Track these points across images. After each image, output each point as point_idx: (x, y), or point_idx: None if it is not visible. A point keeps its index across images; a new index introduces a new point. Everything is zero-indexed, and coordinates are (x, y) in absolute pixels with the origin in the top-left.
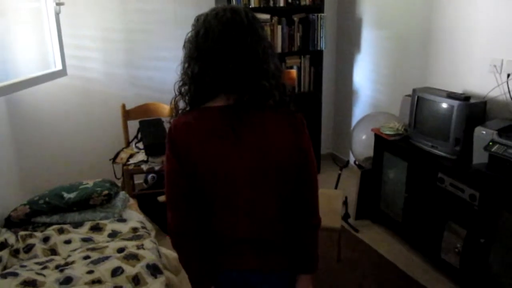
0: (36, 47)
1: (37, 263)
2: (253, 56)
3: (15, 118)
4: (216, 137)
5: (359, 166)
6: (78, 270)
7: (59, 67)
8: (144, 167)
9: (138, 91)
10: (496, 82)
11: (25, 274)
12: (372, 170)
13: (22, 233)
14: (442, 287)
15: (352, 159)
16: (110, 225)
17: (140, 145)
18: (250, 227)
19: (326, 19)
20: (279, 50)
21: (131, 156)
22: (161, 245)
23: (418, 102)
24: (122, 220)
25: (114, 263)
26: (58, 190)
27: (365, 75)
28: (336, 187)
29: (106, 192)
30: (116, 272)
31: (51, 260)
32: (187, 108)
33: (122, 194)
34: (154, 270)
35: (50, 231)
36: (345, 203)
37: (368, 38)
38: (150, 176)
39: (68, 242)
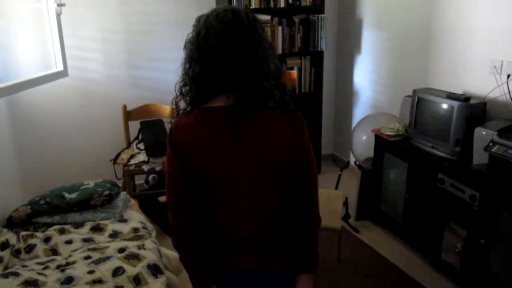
0: (37, 48)
1: (38, 263)
2: (253, 57)
3: (16, 118)
4: (217, 137)
5: (359, 166)
6: (79, 270)
7: (60, 68)
8: (145, 167)
9: (139, 92)
10: (496, 83)
11: (26, 274)
12: (373, 171)
13: (23, 233)
14: (442, 287)
15: (352, 160)
16: (111, 226)
17: (141, 145)
18: (250, 227)
19: (326, 20)
20: (279, 51)
21: (132, 156)
22: (162, 245)
23: (419, 102)
24: (123, 220)
25: (115, 263)
26: (59, 191)
27: (365, 76)
28: (336, 188)
29: (107, 192)
30: (117, 272)
31: (52, 260)
32: (188, 108)
33: (123, 194)
34: (155, 270)
35: (51, 231)
36: (345, 203)
37: (369, 39)
38: (151, 177)
39: (69, 242)
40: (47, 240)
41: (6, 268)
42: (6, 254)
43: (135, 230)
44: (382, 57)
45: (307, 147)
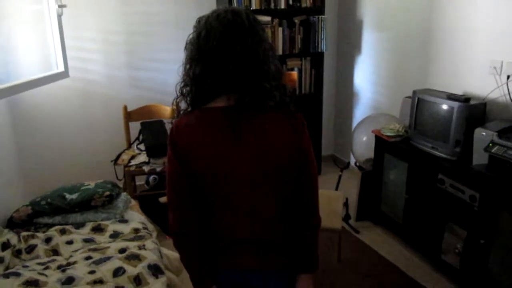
0: (38, 49)
1: (39, 264)
2: (253, 57)
3: (17, 119)
4: (217, 138)
5: (359, 167)
6: (80, 270)
7: (61, 69)
8: (146, 168)
9: (140, 92)
10: (496, 84)
11: (27, 274)
12: (373, 172)
13: (24, 233)
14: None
15: (352, 161)
16: (112, 226)
17: (142, 146)
18: (250, 227)
19: (326, 21)
20: (280, 52)
21: (132, 157)
22: (163, 245)
23: (419, 103)
24: (123, 221)
25: (115, 263)
26: (60, 191)
27: (365, 77)
28: (336, 189)
29: (107, 193)
30: (117, 272)
31: (53, 260)
32: (189, 109)
33: (124, 195)
34: (155, 270)
35: (52, 231)
36: (345, 204)
37: (369, 40)
38: (151, 178)
39: (70, 242)
40: (48, 240)
41: (7, 268)
42: (7, 254)
43: (136, 230)
44: (382, 58)
45: (307, 148)
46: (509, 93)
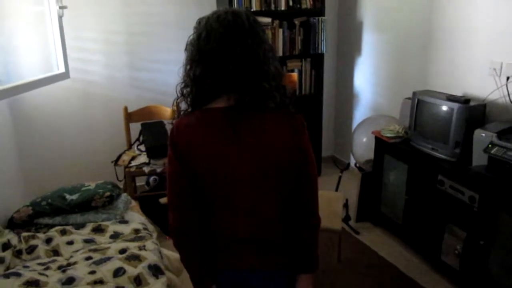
0: (39, 50)
1: (39, 264)
2: (253, 58)
3: (18, 120)
4: (217, 138)
5: (359, 168)
6: (81, 271)
7: (62, 69)
8: (146, 169)
9: (140, 93)
10: (495, 85)
11: (28, 274)
12: (373, 173)
13: (24, 234)
14: None
15: (352, 162)
16: (112, 227)
17: (142, 147)
18: (250, 227)
19: (327, 23)
20: (280, 53)
21: (133, 158)
22: (163, 246)
23: (418, 104)
24: (124, 221)
25: (116, 263)
26: (61, 192)
27: (365, 78)
28: (336, 190)
29: (108, 193)
30: (118, 272)
31: (54, 260)
32: (189, 109)
33: (124, 196)
34: (155, 270)
35: (52, 232)
36: (345, 205)
37: (369, 41)
38: (152, 178)
39: (70, 243)
40: (48, 241)
41: (7, 268)
42: (7, 254)
43: (136, 231)
44: (382, 59)
45: (307, 148)
46: (508, 95)
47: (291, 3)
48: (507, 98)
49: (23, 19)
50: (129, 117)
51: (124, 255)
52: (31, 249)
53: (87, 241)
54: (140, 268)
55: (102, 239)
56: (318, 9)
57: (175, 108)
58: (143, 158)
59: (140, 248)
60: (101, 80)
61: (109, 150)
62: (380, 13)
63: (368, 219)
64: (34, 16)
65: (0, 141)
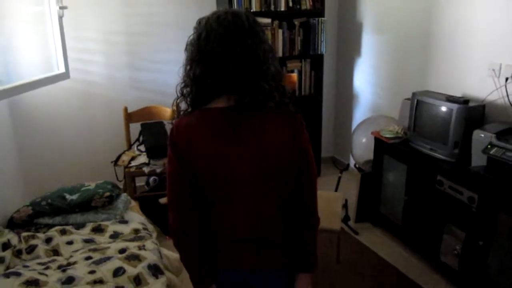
0: (39, 50)
1: (39, 264)
2: (253, 58)
3: (18, 120)
4: (217, 138)
5: (359, 169)
6: (80, 270)
7: (62, 70)
8: (146, 169)
9: (140, 94)
10: (494, 86)
11: (27, 274)
12: (372, 173)
13: (24, 234)
14: None
15: (352, 162)
16: (112, 227)
17: (142, 147)
18: (250, 227)
19: (326, 23)
20: (280, 54)
21: (132, 158)
22: (162, 246)
23: (418, 105)
24: (123, 221)
25: (115, 263)
26: (60, 192)
27: (365, 78)
28: (336, 190)
29: (108, 194)
30: (117, 272)
31: (54, 260)
32: (189, 109)
33: (124, 196)
34: (155, 270)
35: (52, 232)
36: (345, 206)
37: (368, 42)
38: (151, 179)
39: (70, 243)
40: (48, 240)
41: (7, 268)
42: (7, 254)
43: (136, 231)
44: (382, 60)
45: (306, 148)
46: (507, 95)
47: (291, 4)
48: (506, 99)
49: (23, 19)
50: (129, 117)
51: (123, 255)
52: (31, 249)
53: (87, 241)
54: (139, 268)
55: (102, 239)
56: (318, 10)
57: (175, 108)
58: (143, 159)
59: (139, 248)
60: (101, 80)
61: (109, 150)
62: (380, 14)
63: (367, 220)
64: (34, 16)
65: (0, 141)
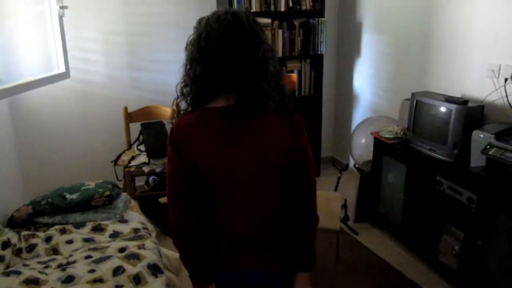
0: (39, 50)
1: (39, 262)
2: (253, 58)
3: (18, 120)
4: (217, 137)
5: (358, 169)
6: (80, 269)
7: (62, 69)
8: (146, 169)
9: (140, 93)
10: (493, 87)
11: (27, 273)
12: (371, 173)
13: (24, 233)
14: None
15: (351, 163)
16: (112, 226)
17: (142, 147)
18: (249, 227)
19: (326, 24)
20: (280, 54)
21: (132, 158)
22: (162, 245)
23: (417, 106)
24: (123, 221)
25: (115, 262)
26: (60, 191)
27: (365, 79)
28: (335, 190)
29: (107, 193)
30: (117, 271)
31: (53, 259)
32: (189, 109)
33: (124, 195)
34: (155, 269)
35: (52, 231)
36: (344, 206)
37: (368, 43)
38: (151, 178)
39: (70, 242)
40: (48, 239)
41: (7, 267)
42: (7, 253)
43: (136, 230)
44: (382, 61)
45: (306, 148)
46: (506, 96)
47: (290, 4)
48: (505, 100)
49: (23, 19)
50: (129, 117)
51: (123, 254)
52: (31, 248)
53: (86, 240)
54: (139, 267)
55: (102, 238)
56: (318, 10)
57: (175, 107)
58: (142, 158)
59: (139, 247)
60: (101, 80)
61: (109, 150)
62: (380, 14)
63: (366, 220)
64: (34, 16)
65: (0, 141)
